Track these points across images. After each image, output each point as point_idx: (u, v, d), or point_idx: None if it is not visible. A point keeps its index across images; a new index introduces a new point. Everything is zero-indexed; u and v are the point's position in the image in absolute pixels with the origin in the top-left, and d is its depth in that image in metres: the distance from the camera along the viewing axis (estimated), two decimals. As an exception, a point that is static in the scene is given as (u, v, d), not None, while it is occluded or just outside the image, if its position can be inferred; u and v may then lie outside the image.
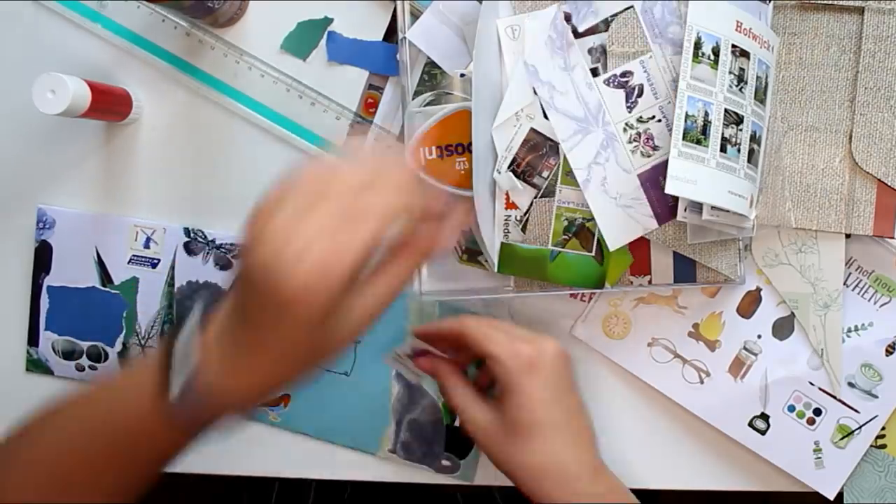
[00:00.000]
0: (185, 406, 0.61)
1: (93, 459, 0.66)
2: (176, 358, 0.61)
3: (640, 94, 0.82)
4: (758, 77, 0.81)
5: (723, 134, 0.79)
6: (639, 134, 0.82)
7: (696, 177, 0.77)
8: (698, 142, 0.77)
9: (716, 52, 0.79)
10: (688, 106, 0.77)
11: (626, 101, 0.82)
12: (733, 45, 0.79)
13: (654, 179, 0.82)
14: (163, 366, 0.62)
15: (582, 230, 0.83)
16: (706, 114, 0.78)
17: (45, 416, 0.69)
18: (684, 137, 0.77)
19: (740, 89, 0.80)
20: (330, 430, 0.94)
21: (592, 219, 0.82)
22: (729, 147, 0.79)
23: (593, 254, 0.84)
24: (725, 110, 0.79)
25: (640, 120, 0.82)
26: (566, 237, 0.84)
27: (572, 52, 0.82)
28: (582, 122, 0.82)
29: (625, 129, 0.82)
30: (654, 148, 0.82)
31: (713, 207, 0.80)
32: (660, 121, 0.82)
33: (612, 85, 0.82)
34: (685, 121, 0.77)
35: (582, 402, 0.80)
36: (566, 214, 0.83)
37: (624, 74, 0.82)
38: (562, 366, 0.78)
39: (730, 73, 0.79)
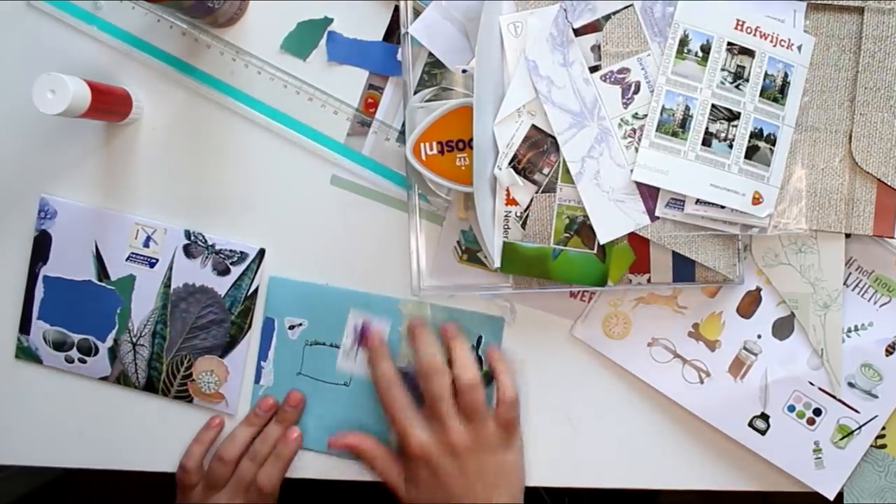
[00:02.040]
0: None
1: None
2: None
3: (636, 91, 0.82)
4: (768, 75, 0.81)
5: (707, 129, 0.81)
6: (634, 130, 0.82)
7: (667, 167, 0.81)
8: (675, 134, 0.81)
9: (705, 49, 0.81)
10: (665, 100, 0.81)
11: (623, 98, 0.82)
12: (730, 43, 0.81)
13: (648, 176, 0.83)
14: None
15: (583, 228, 0.83)
16: (687, 108, 0.81)
17: None
18: (659, 129, 0.81)
19: (737, 86, 0.81)
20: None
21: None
22: (715, 142, 0.81)
23: (595, 251, 0.84)
24: (713, 106, 0.81)
25: (635, 116, 0.82)
26: (567, 235, 0.84)
27: (572, 49, 0.82)
28: (577, 117, 0.82)
29: (620, 125, 0.82)
30: (650, 144, 0.83)
31: (699, 202, 0.82)
32: (656, 118, 0.83)
33: (608, 81, 0.82)
34: (661, 114, 0.81)
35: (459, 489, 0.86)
36: (567, 212, 0.83)
37: (621, 71, 0.82)
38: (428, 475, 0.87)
39: (722, 69, 0.81)
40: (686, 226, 0.83)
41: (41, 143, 0.94)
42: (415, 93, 0.87)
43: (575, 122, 0.83)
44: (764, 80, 0.82)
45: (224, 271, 0.93)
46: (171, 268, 0.93)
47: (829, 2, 0.84)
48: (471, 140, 0.81)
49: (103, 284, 0.94)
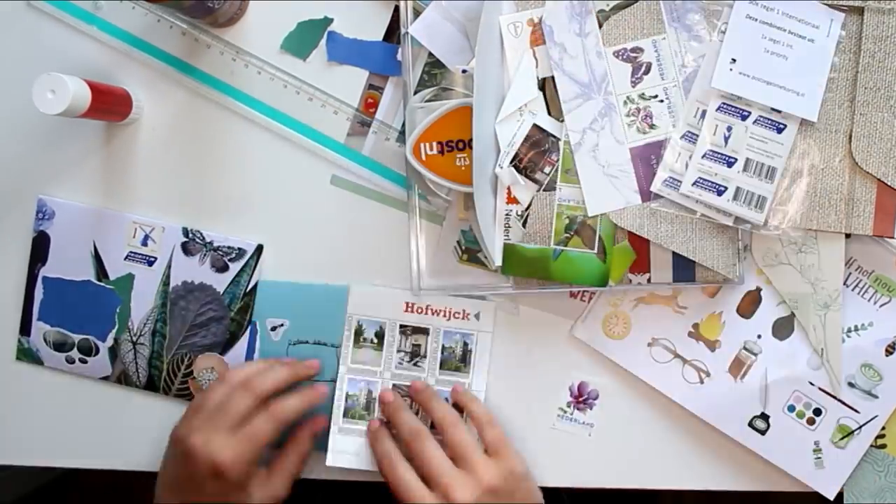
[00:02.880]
0: None
1: None
2: None
3: (646, 72, 0.83)
4: (446, 348, 0.90)
5: None
6: (638, 109, 0.83)
7: (359, 450, 0.91)
8: (361, 417, 0.92)
9: (379, 335, 0.92)
10: (349, 387, 0.92)
11: (632, 76, 0.84)
12: (402, 326, 0.92)
13: (645, 157, 0.84)
14: None
15: (583, 228, 0.83)
16: (369, 392, 0.92)
17: None
18: (346, 415, 0.92)
19: (415, 364, 0.92)
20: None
21: (594, 216, 0.83)
22: None
23: (596, 251, 0.84)
24: (395, 385, 0.92)
25: (642, 96, 0.83)
26: (568, 235, 0.84)
27: (589, 20, 0.83)
28: (585, 88, 0.84)
29: (625, 103, 0.83)
30: (652, 126, 0.84)
31: (695, 184, 0.83)
32: (662, 101, 0.84)
33: (620, 58, 0.84)
34: (346, 400, 0.92)
35: None
36: (567, 212, 0.83)
37: (634, 50, 0.83)
38: None
39: (399, 351, 0.91)
40: (678, 206, 0.84)
41: (41, 143, 0.94)
42: (415, 93, 0.87)
43: (581, 93, 0.83)
44: (442, 352, 0.91)
45: (222, 268, 0.93)
46: (169, 266, 0.93)
47: (830, 2, 0.84)
48: (471, 140, 0.81)
49: (102, 284, 0.94)
